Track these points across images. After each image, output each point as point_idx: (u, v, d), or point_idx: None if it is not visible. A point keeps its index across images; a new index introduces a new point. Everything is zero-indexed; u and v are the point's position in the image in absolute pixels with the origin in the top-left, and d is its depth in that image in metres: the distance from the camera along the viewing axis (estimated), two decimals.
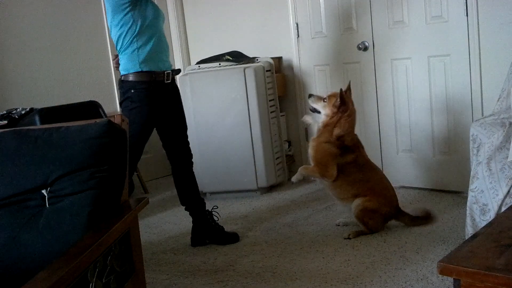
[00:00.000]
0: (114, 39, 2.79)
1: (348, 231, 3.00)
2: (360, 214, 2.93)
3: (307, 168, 3.10)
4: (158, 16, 2.83)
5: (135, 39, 2.74)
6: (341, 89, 3.00)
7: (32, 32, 4.10)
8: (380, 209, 2.94)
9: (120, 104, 2.88)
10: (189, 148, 3.07)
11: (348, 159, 3.00)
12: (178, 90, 3.06)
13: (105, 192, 1.76)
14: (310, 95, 3.16)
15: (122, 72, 2.82)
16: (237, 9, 4.58)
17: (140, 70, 2.76)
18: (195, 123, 4.04)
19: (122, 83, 2.83)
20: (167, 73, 2.85)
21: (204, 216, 3.07)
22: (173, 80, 2.96)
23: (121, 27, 2.72)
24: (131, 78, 2.77)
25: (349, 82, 3.17)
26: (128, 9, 2.68)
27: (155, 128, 2.98)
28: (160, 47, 2.84)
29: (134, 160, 2.86)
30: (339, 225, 3.15)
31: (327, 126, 3.02)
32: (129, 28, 2.72)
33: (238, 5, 4.56)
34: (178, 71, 3.05)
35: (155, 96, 2.82)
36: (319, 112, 3.08)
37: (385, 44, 3.74)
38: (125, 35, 2.73)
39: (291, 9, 4.23)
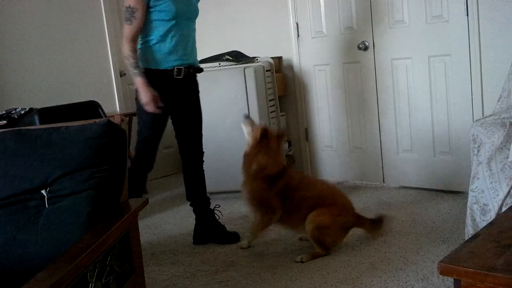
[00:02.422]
0: None
1: (301, 254, 2.72)
2: (315, 233, 2.67)
3: (259, 224, 2.85)
4: (182, 12, 2.80)
5: (146, 35, 2.77)
6: (265, 128, 2.86)
7: (32, 32, 4.10)
8: (336, 221, 2.70)
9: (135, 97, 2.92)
10: (201, 145, 3.08)
11: (280, 186, 2.79)
12: (197, 86, 3.04)
13: (105, 192, 1.76)
14: (247, 117, 3.00)
15: None
16: (237, 9, 4.58)
17: (148, 67, 2.78)
18: None
19: None
20: (177, 69, 2.83)
21: (208, 215, 3.07)
22: (189, 75, 2.92)
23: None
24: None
25: (284, 130, 2.97)
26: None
27: (171, 124, 3.00)
28: (176, 44, 2.81)
29: (151, 150, 2.90)
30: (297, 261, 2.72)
31: (247, 156, 2.87)
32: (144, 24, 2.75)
33: (238, 5, 4.56)
34: (198, 69, 3.01)
35: (163, 89, 2.80)
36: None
37: (385, 44, 3.74)
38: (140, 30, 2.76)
39: (291, 9, 4.22)
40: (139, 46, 2.80)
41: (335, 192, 2.87)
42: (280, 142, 2.95)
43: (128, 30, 2.72)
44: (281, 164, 2.90)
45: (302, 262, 2.65)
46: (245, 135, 2.94)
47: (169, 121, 3.00)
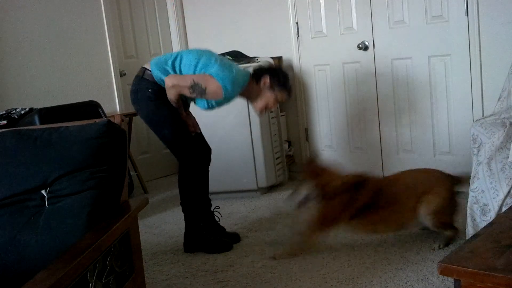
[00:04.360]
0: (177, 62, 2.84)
1: (437, 242, 2.68)
2: (435, 221, 2.61)
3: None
4: None
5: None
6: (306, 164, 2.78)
7: (32, 32, 4.10)
8: (444, 198, 2.63)
9: (134, 98, 2.89)
10: (206, 142, 3.11)
11: (365, 198, 2.67)
12: None
13: (105, 192, 1.76)
14: (290, 198, 2.84)
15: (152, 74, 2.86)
16: (237, 9, 4.58)
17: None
18: None
19: (142, 80, 2.85)
20: None
21: (210, 217, 3.04)
22: None
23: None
24: (151, 79, 2.82)
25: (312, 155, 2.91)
26: None
27: None
28: None
29: (195, 144, 2.96)
30: (435, 249, 2.68)
31: (322, 196, 2.70)
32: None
33: (238, 5, 4.56)
34: None
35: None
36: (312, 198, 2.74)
37: (385, 44, 3.74)
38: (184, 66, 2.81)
39: (291, 9, 4.22)
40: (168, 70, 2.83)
41: (423, 175, 2.80)
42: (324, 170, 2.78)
43: (187, 92, 2.75)
44: (355, 179, 2.74)
45: (440, 248, 2.63)
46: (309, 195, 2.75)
47: None
